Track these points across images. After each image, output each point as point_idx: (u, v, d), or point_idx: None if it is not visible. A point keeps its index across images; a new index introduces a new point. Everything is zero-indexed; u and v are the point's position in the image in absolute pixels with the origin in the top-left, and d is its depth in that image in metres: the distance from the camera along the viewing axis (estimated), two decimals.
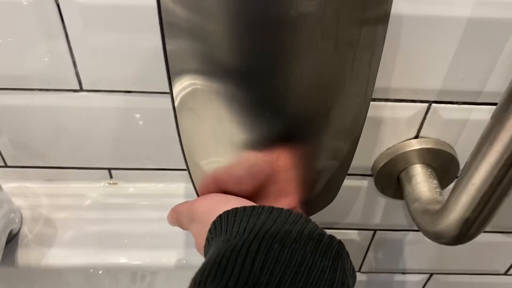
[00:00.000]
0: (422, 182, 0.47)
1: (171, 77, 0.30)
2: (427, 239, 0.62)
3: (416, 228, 0.60)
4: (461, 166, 0.49)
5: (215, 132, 0.32)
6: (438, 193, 0.46)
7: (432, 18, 0.38)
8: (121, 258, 0.47)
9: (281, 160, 0.34)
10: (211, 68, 0.29)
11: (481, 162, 0.33)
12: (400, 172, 0.50)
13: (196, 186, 0.36)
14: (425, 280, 0.70)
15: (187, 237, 0.48)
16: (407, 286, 0.71)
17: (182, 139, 0.33)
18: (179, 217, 0.38)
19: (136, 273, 0.47)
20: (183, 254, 0.47)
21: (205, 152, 0.34)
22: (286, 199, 0.38)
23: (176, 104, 0.31)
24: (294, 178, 0.35)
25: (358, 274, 0.69)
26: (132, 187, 0.53)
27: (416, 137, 0.48)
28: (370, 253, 0.64)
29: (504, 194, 0.33)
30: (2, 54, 0.41)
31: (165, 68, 0.30)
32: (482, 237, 0.62)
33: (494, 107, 0.31)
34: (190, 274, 0.48)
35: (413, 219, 0.46)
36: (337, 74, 0.30)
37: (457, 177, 0.46)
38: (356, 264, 0.67)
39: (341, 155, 0.36)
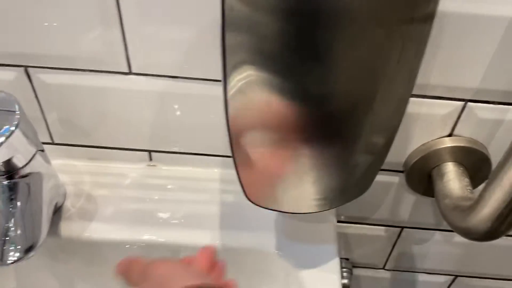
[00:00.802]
0: (454, 179, 0.48)
1: (226, 66, 0.32)
2: (454, 240, 0.62)
3: (443, 227, 0.61)
4: (494, 166, 0.50)
5: (263, 117, 0.34)
6: (469, 190, 0.47)
7: (475, 16, 0.38)
8: (158, 236, 0.49)
9: (321, 146, 0.36)
10: (265, 56, 0.31)
11: None
12: (432, 169, 0.50)
13: (237, 167, 0.38)
14: (449, 282, 0.70)
15: (223, 220, 0.50)
16: (430, 287, 0.71)
17: (230, 124, 0.35)
18: (131, 269, 0.37)
19: (170, 251, 0.50)
20: (218, 235, 0.49)
21: (251, 137, 0.35)
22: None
23: (229, 94, 0.33)
24: (330, 164, 0.37)
25: (382, 271, 0.70)
26: (170, 170, 0.55)
27: (450, 135, 0.49)
28: (395, 251, 0.65)
29: None
30: (59, 35, 0.43)
31: (221, 57, 0.32)
32: (510, 242, 0.62)
33: None
34: (224, 255, 0.49)
35: (443, 216, 0.46)
36: (384, 64, 0.32)
37: (488, 177, 0.47)
38: (380, 261, 0.68)
39: (378, 147, 0.37)
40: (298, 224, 0.50)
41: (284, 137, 0.35)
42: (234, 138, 0.35)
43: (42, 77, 0.47)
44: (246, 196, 0.39)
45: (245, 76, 0.31)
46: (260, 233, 0.50)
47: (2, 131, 0.38)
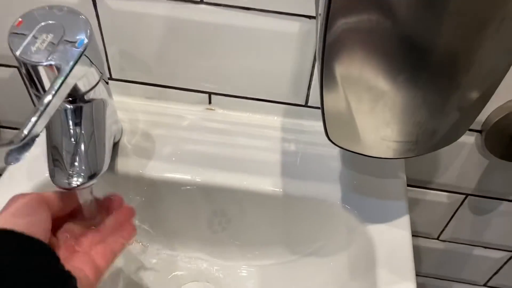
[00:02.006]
0: None
1: (330, 12, 0.28)
2: None
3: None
4: None
5: (364, 55, 0.31)
6: None
7: None
8: (217, 179, 0.47)
9: (423, 85, 0.32)
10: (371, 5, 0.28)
11: None
12: None
13: (324, 103, 0.34)
14: (506, 259, 0.66)
15: (284, 169, 0.48)
16: (485, 262, 0.68)
17: (325, 59, 0.31)
18: None
19: (229, 195, 0.47)
20: (279, 183, 0.46)
21: (346, 73, 0.32)
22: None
23: (328, 41, 0.30)
24: (429, 104, 0.33)
25: (435, 241, 0.66)
26: (229, 115, 0.52)
27: None
28: (454, 220, 0.62)
29: None
30: None
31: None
32: None
33: None
34: (285, 204, 0.47)
35: None
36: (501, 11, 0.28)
37: None
38: (436, 231, 0.65)
39: (481, 92, 0.34)
40: (366, 179, 0.47)
41: (382, 76, 0.32)
42: (326, 72, 0.32)
43: (108, 2, 0.45)
44: (327, 134, 0.36)
45: (345, 23, 0.28)
46: (325, 184, 0.47)
47: (77, 43, 0.35)
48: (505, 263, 0.67)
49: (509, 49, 0.32)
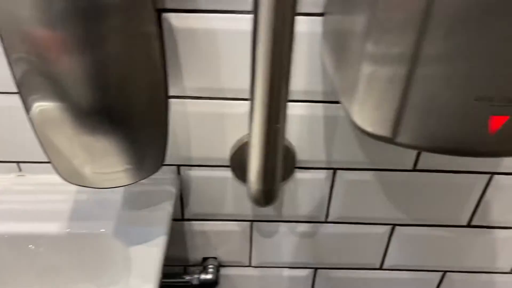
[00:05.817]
0: None
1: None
2: (297, 230, 0.70)
3: (285, 218, 0.69)
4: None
5: (62, 121, 0.45)
6: None
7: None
8: (11, 228, 0.57)
9: (111, 132, 0.46)
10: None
11: None
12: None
13: (48, 153, 0.47)
14: (311, 275, 0.77)
15: (73, 214, 0.59)
16: (296, 282, 0.77)
17: (36, 130, 0.45)
18: None
19: (22, 241, 0.57)
20: (66, 225, 0.57)
21: (55, 133, 0.46)
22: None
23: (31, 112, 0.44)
24: (122, 144, 0.47)
25: (249, 268, 0.76)
26: (39, 178, 0.64)
27: None
28: (254, 246, 0.72)
29: None
30: None
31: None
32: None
33: None
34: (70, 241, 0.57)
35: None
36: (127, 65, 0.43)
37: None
38: (245, 258, 0.74)
39: (152, 132, 0.48)
40: (136, 212, 0.60)
41: (78, 129, 0.45)
42: (41, 137, 0.45)
43: None
44: (59, 175, 0.49)
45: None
46: (102, 221, 0.58)
47: None
48: (314, 279, 0.77)
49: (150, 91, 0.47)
